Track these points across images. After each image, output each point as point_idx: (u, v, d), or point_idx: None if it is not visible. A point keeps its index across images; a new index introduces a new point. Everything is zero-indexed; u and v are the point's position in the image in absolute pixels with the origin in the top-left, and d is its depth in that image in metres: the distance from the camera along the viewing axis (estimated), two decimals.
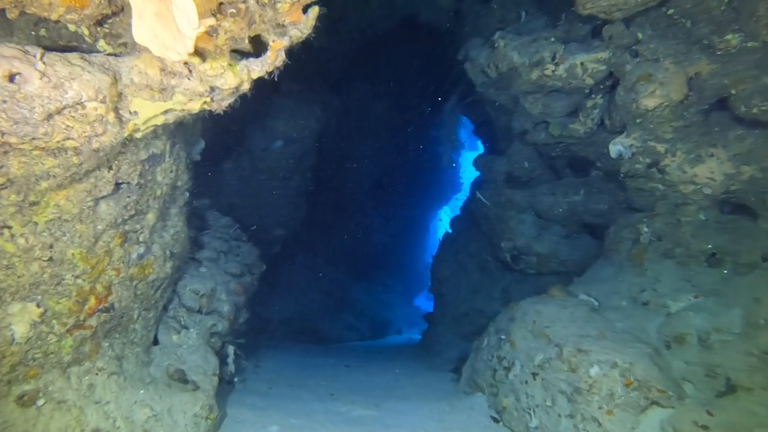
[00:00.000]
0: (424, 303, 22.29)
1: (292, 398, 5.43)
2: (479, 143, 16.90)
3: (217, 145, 8.28)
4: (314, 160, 9.99)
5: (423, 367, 7.25)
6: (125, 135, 2.69)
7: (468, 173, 20.00)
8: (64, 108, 2.19)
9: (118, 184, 3.41)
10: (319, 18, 2.84)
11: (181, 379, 4.26)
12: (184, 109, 2.78)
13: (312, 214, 11.87)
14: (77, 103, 2.22)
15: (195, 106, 2.77)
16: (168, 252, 4.18)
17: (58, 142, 2.33)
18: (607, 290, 5.58)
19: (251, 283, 6.43)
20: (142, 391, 3.83)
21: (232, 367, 5.31)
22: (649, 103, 4.43)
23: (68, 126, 2.30)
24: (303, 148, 9.14)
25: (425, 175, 16.69)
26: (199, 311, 5.00)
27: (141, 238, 3.80)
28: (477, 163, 7.87)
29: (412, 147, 15.20)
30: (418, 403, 5.20)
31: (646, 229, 5.57)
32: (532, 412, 4.54)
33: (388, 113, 13.20)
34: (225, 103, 2.92)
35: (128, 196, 3.49)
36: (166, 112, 2.75)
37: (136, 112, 2.64)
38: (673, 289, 5.19)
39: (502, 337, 5.27)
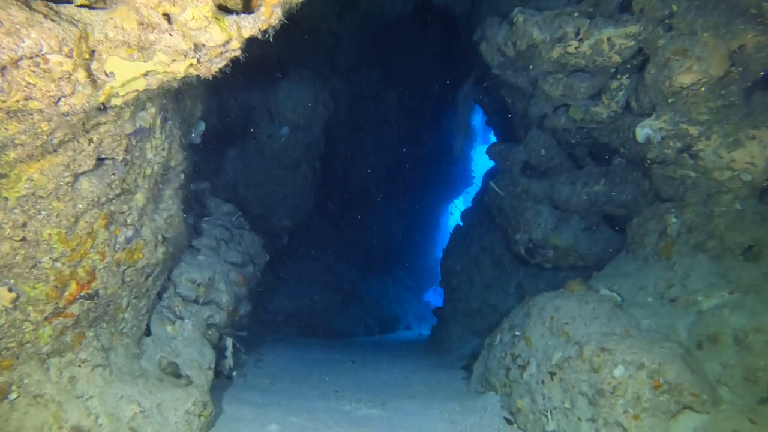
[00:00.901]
0: (434, 298, 21.98)
1: (295, 395, 5.15)
2: (491, 136, 16.53)
3: (222, 130, 8.04)
4: (323, 149, 9.69)
5: (432, 364, 6.93)
6: (101, 99, 2.39)
7: (480, 167, 19.60)
8: (21, 59, 1.89)
9: (100, 160, 3.12)
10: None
11: (174, 373, 3.99)
12: (167, 72, 2.48)
13: (320, 205, 11.60)
14: (37, 55, 1.93)
15: (179, 68, 2.46)
16: (160, 237, 3.90)
17: (18, 101, 2.04)
18: (630, 285, 5.21)
19: (254, 273, 6.15)
20: (130, 386, 3.56)
21: (230, 361, 5.04)
22: (685, 79, 4.04)
23: (29, 83, 2.01)
24: (311, 135, 8.85)
25: (437, 167, 16.32)
26: (196, 301, 4.73)
27: (129, 221, 3.52)
28: (491, 151, 7.51)
29: (424, 138, 14.83)
30: (426, 402, 4.89)
31: (674, 221, 5.18)
32: (549, 415, 4.20)
33: (399, 102, 12.85)
34: (214, 67, 2.61)
35: (113, 174, 3.20)
36: (147, 74, 2.45)
37: (112, 73, 2.34)
38: (706, 285, 4.80)
39: (517, 333, 4.93)
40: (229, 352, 5.04)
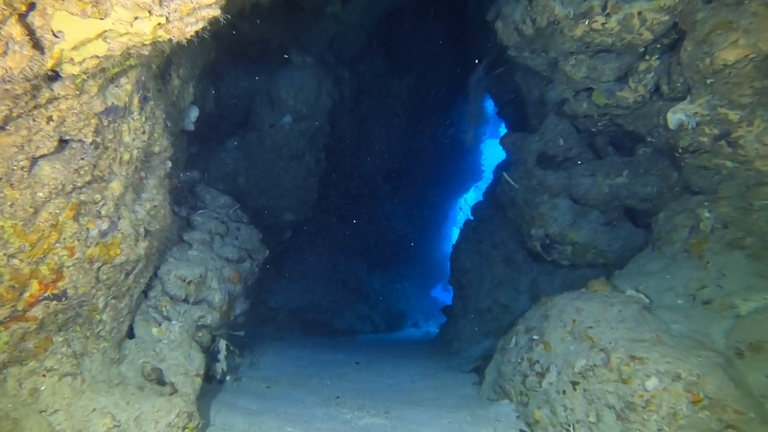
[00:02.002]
0: (442, 294, 21.57)
1: (292, 401, 4.78)
2: (501, 129, 16.00)
3: (221, 118, 7.66)
4: (327, 140, 9.28)
5: (441, 367, 6.54)
6: (49, 65, 2.01)
7: (490, 160, 19.11)
8: None
9: (64, 142, 2.74)
10: None
11: (158, 380, 3.62)
12: (131, 34, 2.08)
13: (325, 198, 11.21)
14: None
15: (144, 29, 2.06)
16: (142, 230, 3.52)
17: None
18: (657, 286, 4.77)
19: (251, 269, 5.78)
20: (105, 396, 3.20)
21: (223, 365, 4.67)
22: (729, 56, 3.59)
23: None
24: (314, 125, 8.44)
25: (446, 160, 15.86)
26: (186, 300, 4.36)
27: (104, 212, 3.14)
28: (504, 142, 7.07)
29: (433, 130, 14.37)
30: (434, 410, 4.50)
31: (707, 215, 4.73)
32: (571, 429, 3.80)
33: (407, 92, 12.40)
34: (189, 29, 2.21)
35: (81, 158, 2.82)
36: (105, 35, 2.06)
37: (61, 33, 1.95)
38: (744, 287, 4.36)
39: (534, 337, 4.52)
40: (222, 355, 4.68)
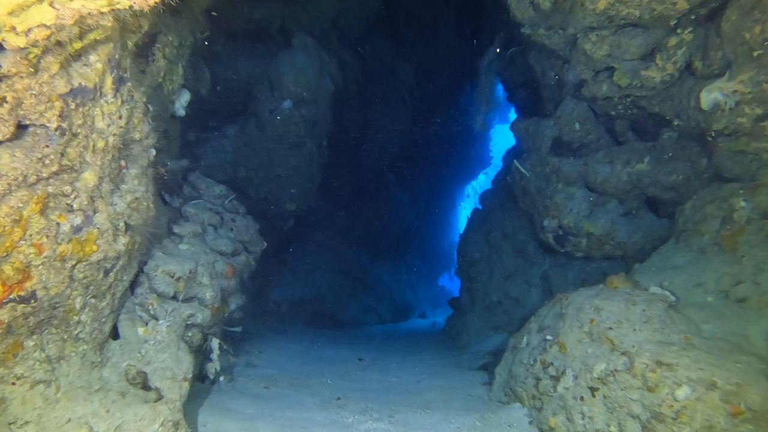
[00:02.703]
0: (449, 283, 21.28)
1: (291, 403, 4.51)
2: (511, 115, 15.49)
3: (219, 104, 7.34)
4: (330, 127, 8.93)
5: (448, 364, 6.25)
6: None
7: (498, 147, 18.65)
8: None
9: (23, 127, 2.44)
10: None
11: (143, 384, 3.35)
12: None
13: (329, 187, 10.89)
14: None
15: None
16: (122, 224, 3.23)
17: None
18: (684, 282, 4.43)
19: (247, 263, 5.50)
20: (82, 404, 2.93)
21: (217, 365, 4.41)
22: None
23: None
24: (316, 111, 8.10)
25: (453, 147, 15.45)
26: (175, 298, 4.09)
27: (76, 205, 2.85)
28: (515, 127, 6.69)
29: (441, 116, 13.95)
30: (441, 414, 4.21)
31: (743, 204, 4.36)
32: None
33: (414, 77, 11.97)
34: None
35: (45, 145, 2.51)
36: (50, 1, 1.73)
37: None
38: None
39: (549, 337, 4.20)
40: (215, 355, 4.41)
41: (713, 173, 4.92)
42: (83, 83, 2.57)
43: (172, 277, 4.04)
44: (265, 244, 6.22)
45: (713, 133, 4.36)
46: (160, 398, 3.24)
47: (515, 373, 4.47)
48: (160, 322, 3.71)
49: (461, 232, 9.61)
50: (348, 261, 11.91)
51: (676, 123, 4.86)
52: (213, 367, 4.39)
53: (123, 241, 3.19)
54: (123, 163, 3.18)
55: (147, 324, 3.72)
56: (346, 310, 11.09)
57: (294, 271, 10.16)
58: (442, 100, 13.51)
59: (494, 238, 8.05)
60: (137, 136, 3.25)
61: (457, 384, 5.16)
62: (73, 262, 2.89)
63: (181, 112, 4.68)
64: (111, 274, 3.24)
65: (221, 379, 4.43)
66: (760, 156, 4.00)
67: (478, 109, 8.81)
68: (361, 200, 12.68)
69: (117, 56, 2.83)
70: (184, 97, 4.65)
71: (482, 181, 23.19)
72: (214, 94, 6.97)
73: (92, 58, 2.62)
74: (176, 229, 4.61)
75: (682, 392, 3.13)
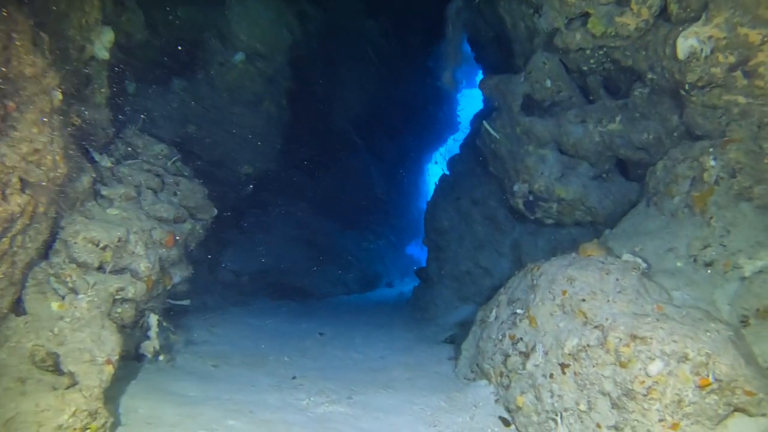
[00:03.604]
0: (418, 251, 21.13)
1: (242, 384, 4.14)
2: (479, 77, 15.01)
3: (162, 53, 6.64)
4: (290, 84, 8.32)
5: (414, 338, 5.99)
6: None
7: (466, 112, 18.25)
8: None
9: None
10: None
11: (53, 368, 2.91)
12: None
13: (291, 151, 10.32)
14: None
15: None
16: (15, 179, 2.71)
17: None
18: (656, 247, 4.22)
19: (193, 231, 5.01)
20: None
21: (155, 343, 3.98)
22: None
23: None
24: (273, 65, 7.48)
25: (422, 111, 14.96)
26: (101, 269, 3.60)
27: None
28: (486, 84, 6.28)
29: (408, 78, 13.40)
30: (405, 394, 3.93)
31: (712, 163, 4.14)
32: (558, 418, 3.26)
33: (381, 35, 11.33)
34: None
35: None
36: None
37: None
38: (750, 244, 3.87)
39: (519, 311, 3.92)
40: (152, 332, 3.97)
41: (684, 131, 4.68)
42: None
43: (97, 245, 3.55)
44: (216, 210, 5.72)
45: (687, 86, 4.08)
46: (73, 384, 2.80)
47: (483, 348, 4.20)
48: (80, 296, 3.24)
49: (429, 199, 9.28)
50: (313, 229, 11.48)
51: (649, 76, 4.55)
52: (151, 345, 3.96)
53: (18, 200, 2.67)
54: (11, 104, 2.63)
55: (63, 298, 3.24)
56: (311, 280, 10.71)
57: (255, 240, 9.68)
58: (409, 61, 12.94)
59: (463, 206, 7.74)
60: (28, 71, 2.70)
61: (422, 360, 4.89)
62: None
63: (104, 54, 4.08)
64: (4, 239, 2.73)
65: (160, 358, 4.01)
66: (731, 110, 3.78)
67: (445, 65, 8.33)
68: (327, 165, 12.16)
69: None
70: (106, 36, 4.04)
71: (450, 147, 22.87)
72: (156, 41, 6.28)
73: None
74: (104, 192, 4.08)
75: (655, 367, 2.90)
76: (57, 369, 2.88)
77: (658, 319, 3.09)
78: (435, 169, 20.86)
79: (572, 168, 5.52)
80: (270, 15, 6.85)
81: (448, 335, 6.04)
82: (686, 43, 3.64)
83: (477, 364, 4.24)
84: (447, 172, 9.19)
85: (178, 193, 4.99)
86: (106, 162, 4.43)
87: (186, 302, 4.98)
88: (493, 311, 4.37)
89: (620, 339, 3.07)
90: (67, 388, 2.77)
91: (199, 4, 6.45)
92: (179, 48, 6.75)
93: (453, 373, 4.43)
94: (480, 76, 13.41)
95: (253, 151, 8.07)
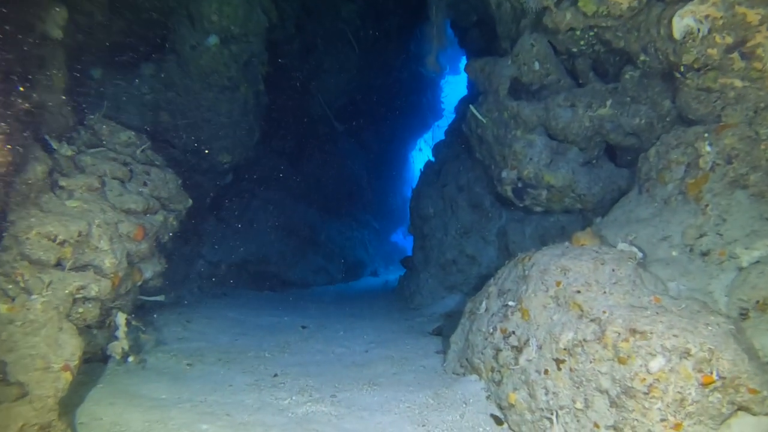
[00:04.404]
0: (402, 239, 20.98)
1: (218, 383, 3.91)
2: (463, 62, 14.71)
3: (130, 35, 6.26)
4: (267, 69, 7.97)
5: (400, 329, 5.80)
6: None
7: (450, 98, 18.02)
8: None
9: None
10: None
11: (1, 378, 2.64)
12: None
13: (271, 138, 10.01)
14: None
15: None
16: None
17: None
18: (650, 235, 4.08)
19: (166, 223, 4.72)
20: None
21: (124, 343, 3.71)
22: None
23: None
24: (249, 49, 7.13)
25: (404, 96, 14.67)
26: (59, 266, 3.31)
27: None
28: (471, 68, 6.04)
29: (390, 63, 13.09)
30: (391, 391, 3.74)
31: (708, 149, 4.00)
32: (553, 417, 3.10)
33: (360, 17, 10.98)
34: None
35: None
36: None
37: None
38: (746, 233, 3.74)
39: (510, 303, 3.74)
40: (120, 332, 3.70)
41: (676, 116, 4.55)
42: None
43: (53, 240, 3.26)
44: (191, 201, 5.44)
45: (682, 68, 3.92)
46: (22, 395, 2.54)
47: (473, 342, 4.02)
48: (33, 297, 2.96)
49: (414, 186, 9.07)
50: (294, 217, 11.19)
51: (642, 59, 4.37)
52: (119, 345, 3.70)
53: None
54: None
55: (14, 300, 2.95)
56: (293, 270, 10.47)
57: (235, 229, 9.37)
58: (391, 45, 12.61)
59: (449, 192, 7.54)
60: None
61: (408, 353, 4.71)
62: None
63: (57, 33, 3.74)
64: None
65: (130, 359, 3.75)
66: (726, 94, 3.64)
67: (429, 48, 8.07)
68: (308, 153, 11.85)
69: None
70: (60, 14, 3.70)
71: (435, 134, 22.66)
72: (121, 23, 5.90)
73: None
74: (63, 182, 3.76)
75: (656, 363, 2.74)
76: (4, 379, 2.61)
77: (657, 312, 2.94)
78: (420, 156, 20.67)
79: (561, 153, 5.34)
80: None
81: (435, 326, 5.87)
82: (682, 22, 3.47)
83: (467, 359, 4.06)
84: (432, 159, 8.98)
85: (149, 182, 4.69)
86: (66, 150, 4.11)
87: (160, 297, 4.71)
88: (483, 303, 4.19)
89: (619, 333, 2.90)
90: (15, 400, 2.51)
91: None
92: (147, 30, 6.37)
93: (441, 368, 4.26)
94: (464, 61, 13.19)
95: (230, 138, 7.74)
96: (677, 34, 3.63)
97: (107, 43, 5.55)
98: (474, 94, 7.81)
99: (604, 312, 3.06)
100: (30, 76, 3.37)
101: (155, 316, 5.47)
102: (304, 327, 5.86)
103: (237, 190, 9.55)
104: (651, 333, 2.80)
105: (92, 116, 4.72)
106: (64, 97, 3.90)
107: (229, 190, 9.06)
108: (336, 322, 6.28)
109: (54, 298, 3.05)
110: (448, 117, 17.47)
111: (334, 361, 4.57)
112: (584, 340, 3.05)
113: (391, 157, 17.40)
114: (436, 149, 8.93)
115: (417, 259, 7.98)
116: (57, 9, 3.53)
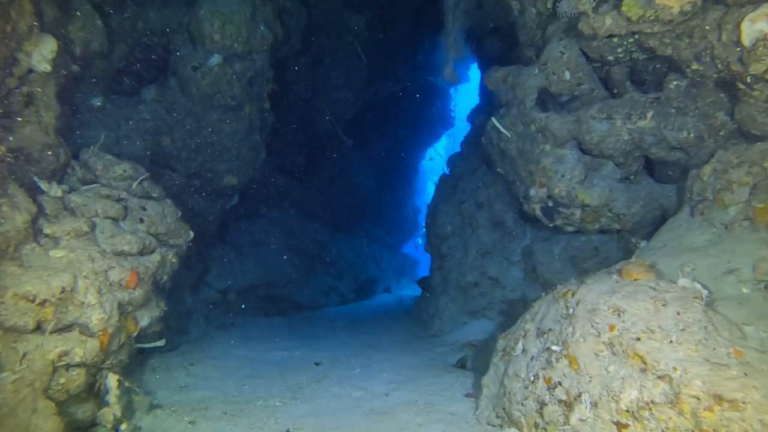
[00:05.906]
0: (413, 251, 20.51)
1: None
2: (473, 74, 14.23)
3: (132, 62, 5.93)
4: (272, 86, 7.59)
5: (420, 363, 5.32)
6: None
7: (460, 107, 17.56)
8: None
9: None
10: None
11: None
12: None
13: (277, 155, 9.60)
14: None
15: None
16: None
17: None
18: (710, 267, 3.58)
19: (164, 261, 4.30)
20: None
21: (115, 409, 3.27)
22: None
23: None
24: (253, 67, 6.75)
25: (413, 107, 14.24)
26: (39, 329, 2.89)
27: None
28: (492, 78, 5.59)
29: (398, 74, 12.68)
30: None
31: None
32: None
33: (368, 29, 10.59)
34: None
35: None
36: None
37: None
38: None
39: (554, 348, 3.26)
40: (111, 396, 3.27)
41: (734, 129, 4.05)
42: None
43: (32, 301, 2.84)
44: (192, 234, 5.02)
45: (749, 78, 3.43)
46: None
47: (510, 389, 3.54)
48: (3, 375, 2.52)
49: (429, 201, 8.61)
50: (303, 236, 10.77)
51: (693, 67, 3.90)
52: (110, 412, 3.26)
53: None
54: None
55: None
56: (303, 291, 10.03)
57: (242, 252, 8.96)
58: (399, 55, 12.21)
59: (467, 209, 7.08)
60: None
61: (434, 396, 4.23)
62: None
63: (44, 67, 3.37)
64: None
65: (122, 427, 3.30)
66: None
67: (441, 57, 7.64)
68: (315, 168, 11.45)
69: None
70: (47, 47, 3.32)
71: (445, 143, 22.20)
72: (119, 48, 5.55)
73: None
74: (48, 229, 3.36)
75: None
76: None
77: (745, 374, 2.44)
78: (430, 166, 20.20)
79: (595, 169, 4.87)
80: (245, 11, 6.10)
81: (458, 358, 5.41)
82: (754, 27, 3.01)
83: (503, 408, 3.58)
84: (447, 172, 8.52)
85: (145, 219, 4.27)
86: (55, 191, 3.72)
87: (160, 343, 4.29)
88: (520, 343, 3.71)
89: (699, 399, 2.42)
90: None
91: (165, 6, 5.70)
92: (147, 53, 6.01)
93: (473, 417, 3.78)
94: (475, 69, 12.74)
95: (235, 160, 7.35)
96: (746, 40, 3.16)
97: (106, 72, 5.20)
98: (488, 104, 7.36)
99: (675, 369, 2.58)
100: (13, 117, 2.98)
101: (156, 359, 5.06)
102: (317, 364, 5.41)
103: (242, 212, 9.16)
104: (743, 403, 2.31)
105: (87, 150, 4.34)
106: (53, 135, 3.51)
107: (234, 212, 8.67)
108: (351, 355, 5.82)
109: (29, 373, 2.63)
110: (458, 126, 17.02)
111: (351, 408, 4.10)
112: (652, 402, 2.57)
113: (401, 167, 16.97)
114: (451, 162, 8.47)
115: (435, 280, 7.51)
116: (46, 41, 3.14)
